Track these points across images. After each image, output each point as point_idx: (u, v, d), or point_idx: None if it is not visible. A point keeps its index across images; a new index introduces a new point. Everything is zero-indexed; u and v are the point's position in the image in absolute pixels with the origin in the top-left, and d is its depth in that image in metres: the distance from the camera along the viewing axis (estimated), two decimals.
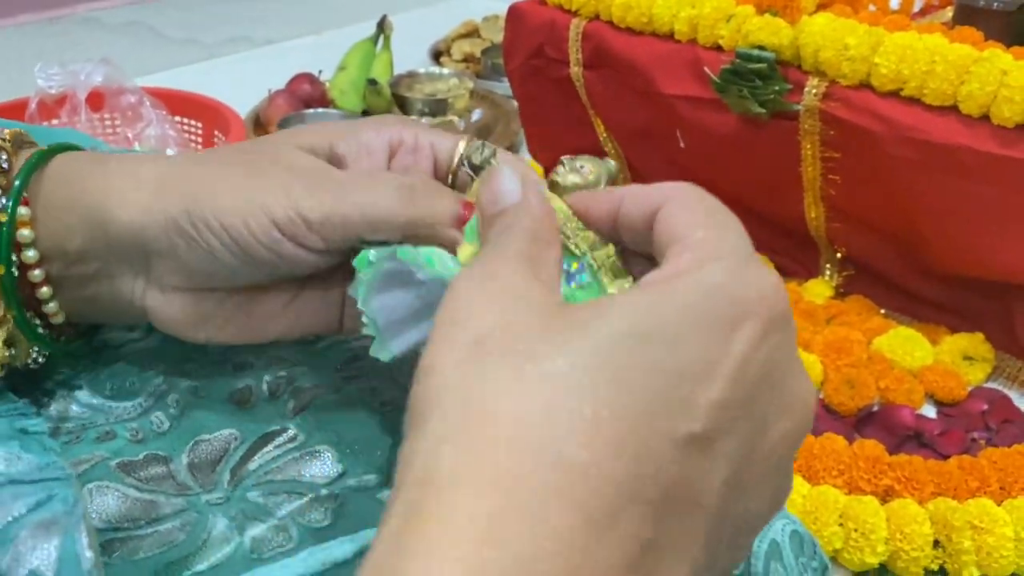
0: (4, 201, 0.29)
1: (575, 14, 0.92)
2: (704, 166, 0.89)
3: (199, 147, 1.04)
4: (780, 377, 0.22)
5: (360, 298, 0.28)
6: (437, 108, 1.24)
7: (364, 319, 0.28)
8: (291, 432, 0.32)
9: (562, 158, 0.30)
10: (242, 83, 1.46)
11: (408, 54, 1.45)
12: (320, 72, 1.30)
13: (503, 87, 1.38)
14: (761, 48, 0.76)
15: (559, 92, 0.97)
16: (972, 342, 0.79)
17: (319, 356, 0.36)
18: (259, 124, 1.21)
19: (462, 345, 0.20)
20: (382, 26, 1.35)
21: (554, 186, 0.29)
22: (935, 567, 0.59)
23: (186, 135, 1.03)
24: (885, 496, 0.62)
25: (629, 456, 0.19)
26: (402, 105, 1.25)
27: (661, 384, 0.20)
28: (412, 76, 1.33)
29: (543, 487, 0.18)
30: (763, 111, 0.76)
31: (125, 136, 1.00)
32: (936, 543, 0.58)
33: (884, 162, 0.74)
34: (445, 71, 1.36)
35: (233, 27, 1.56)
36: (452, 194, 0.29)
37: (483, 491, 0.18)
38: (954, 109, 0.69)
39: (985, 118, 0.68)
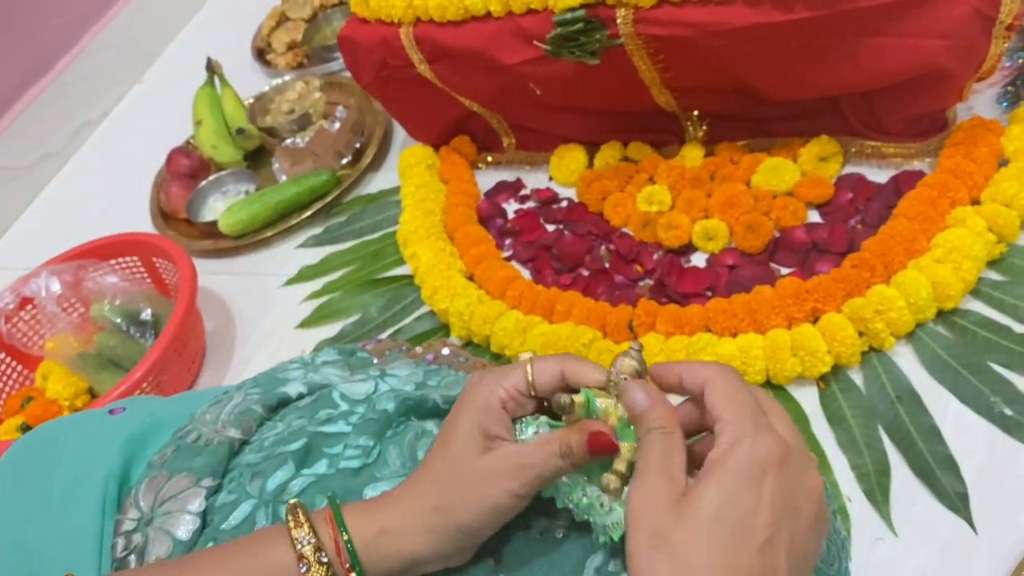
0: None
1: (399, 24, 1.02)
2: (563, 99, 1.04)
3: (145, 278, 1.14)
4: (797, 483, 0.40)
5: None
6: (303, 123, 1.32)
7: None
8: None
9: (627, 349, 0.47)
10: (107, 167, 1.53)
11: (233, 65, 1.46)
12: (189, 142, 1.37)
13: (338, 63, 1.45)
14: (571, 10, 0.89)
15: (416, 87, 1.08)
16: (820, 144, 0.98)
17: None
18: (165, 215, 1.30)
19: (644, 539, 0.39)
20: (211, 68, 1.40)
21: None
22: (866, 348, 0.80)
23: (126, 271, 1.13)
24: (814, 315, 0.83)
25: (738, 566, 0.38)
26: (272, 135, 1.33)
27: (739, 528, 0.38)
28: (261, 100, 1.39)
29: None
30: (596, 60, 0.91)
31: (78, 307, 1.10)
32: (860, 334, 0.79)
33: (702, 52, 0.89)
34: (287, 77, 1.41)
35: (72, 122, 1.59)
36: (579, 437, 0.45)
37: None
38: None
39: None
